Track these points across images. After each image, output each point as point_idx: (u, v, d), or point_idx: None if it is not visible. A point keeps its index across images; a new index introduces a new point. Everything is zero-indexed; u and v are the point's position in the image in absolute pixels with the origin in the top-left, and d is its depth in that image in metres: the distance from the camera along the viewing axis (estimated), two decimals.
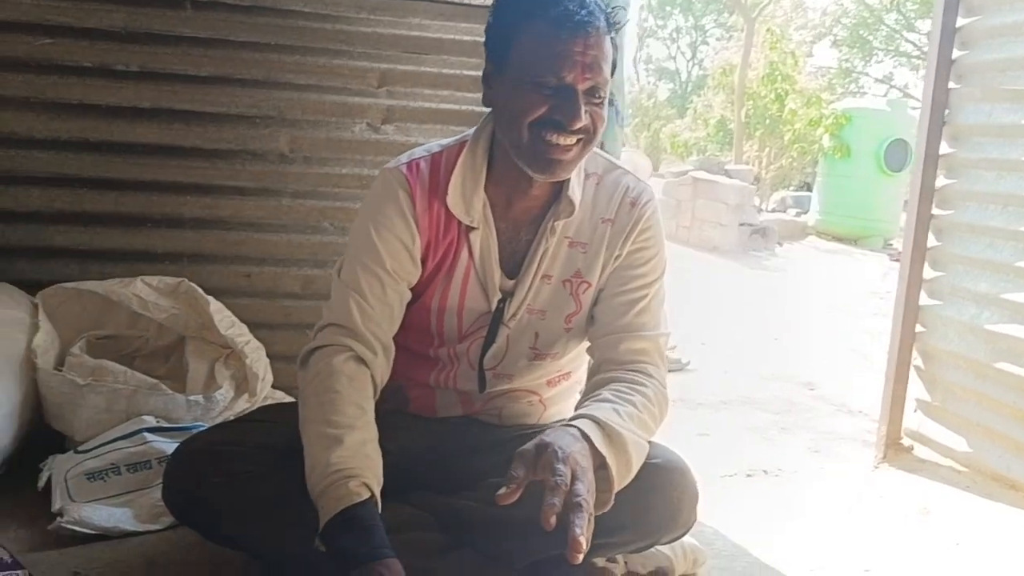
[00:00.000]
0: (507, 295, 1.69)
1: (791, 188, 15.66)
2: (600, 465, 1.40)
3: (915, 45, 21.83)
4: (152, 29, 2.61)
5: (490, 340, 1.71)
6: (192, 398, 2.26)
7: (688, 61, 30.68)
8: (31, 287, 2.44)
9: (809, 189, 13.95)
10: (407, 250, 1.64)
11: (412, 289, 1.67)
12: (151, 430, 2.11)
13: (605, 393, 1.56)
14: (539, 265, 1.68)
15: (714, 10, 28.87)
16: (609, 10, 1.56)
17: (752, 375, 4.56)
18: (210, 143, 2.69)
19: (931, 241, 3.22)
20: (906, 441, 3.22)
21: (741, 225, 10.01)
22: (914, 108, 12.03)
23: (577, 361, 1.83)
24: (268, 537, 1.54)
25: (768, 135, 15.30)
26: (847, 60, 23.38)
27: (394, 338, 1.68)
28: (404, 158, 1.69)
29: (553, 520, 1.27)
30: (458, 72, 2.84)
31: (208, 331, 2.45)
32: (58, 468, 2.02)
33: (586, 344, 1.77)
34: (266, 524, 1.53)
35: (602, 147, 2.81)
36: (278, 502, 1.51)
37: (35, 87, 2.54)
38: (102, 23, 2.57)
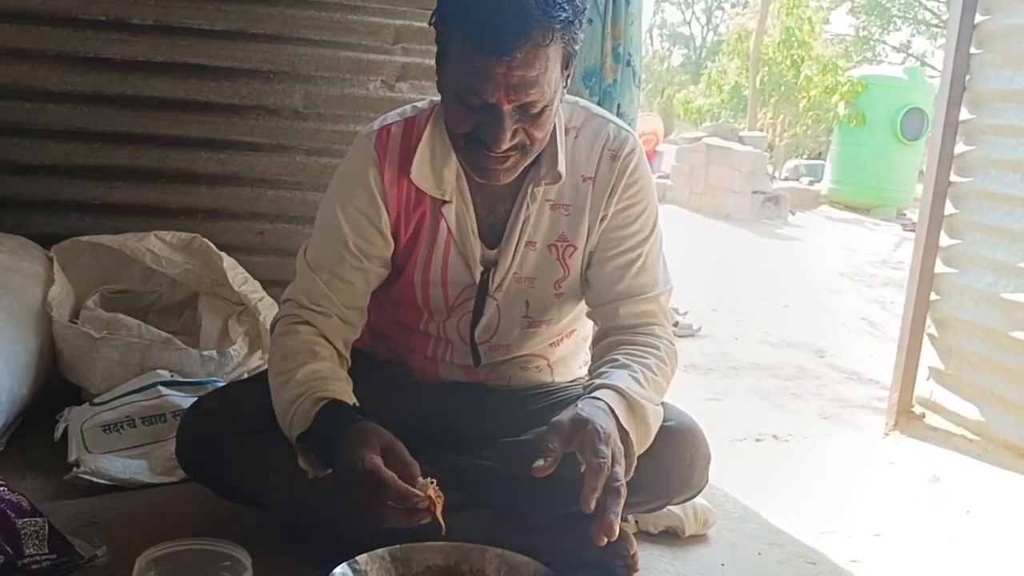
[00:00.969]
0: (490, 265, 1.63)
1: (804, 156, 15.54)
2: (622, 438, 1.39)
3: (933, 13, 21.52)
4: None
5: (478, 313, 1.66)
6: (206, 353, 2.26)
7: (703, 26, 30.29)
8: (46, 241, 2.44)
9: (822, 158, 13.83)
10: (374, 226, 1.59)
11: (393, 263, 1.64)
12: (166, 384, 2.12)
13: (620, 358, 1.54)
14: (521, 232, 1.61)
15: None
16: (562, 1, 1.37)
17: (762, 342, 4.56)
18: (224, 98, 2.68)
19: (948, 208, 3.19)
20: (918, 409, 3.22)
21: (754, 193, 9.96)
22: (932, 77, 11.88)
23: (577, 322, 1.78)
24: (279, 493, 1.55)
25: (783, 102, 15.17)
26: (864, 28, 23.05)
27: (389, 314, 1.68)
28: (377, 124, 1.63)
29: (593, 504, 1.27)
30: None
31: (221, 287, 2.45)
32: (74, 420, 2.04)
33: (581, 305, 1.73)
34: (276, 481, 1.53)
35: (618, 109, 2.81)
36: (288, 459, 1.51)
37: (51, 40, 2.53)
38: None
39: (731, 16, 25.75)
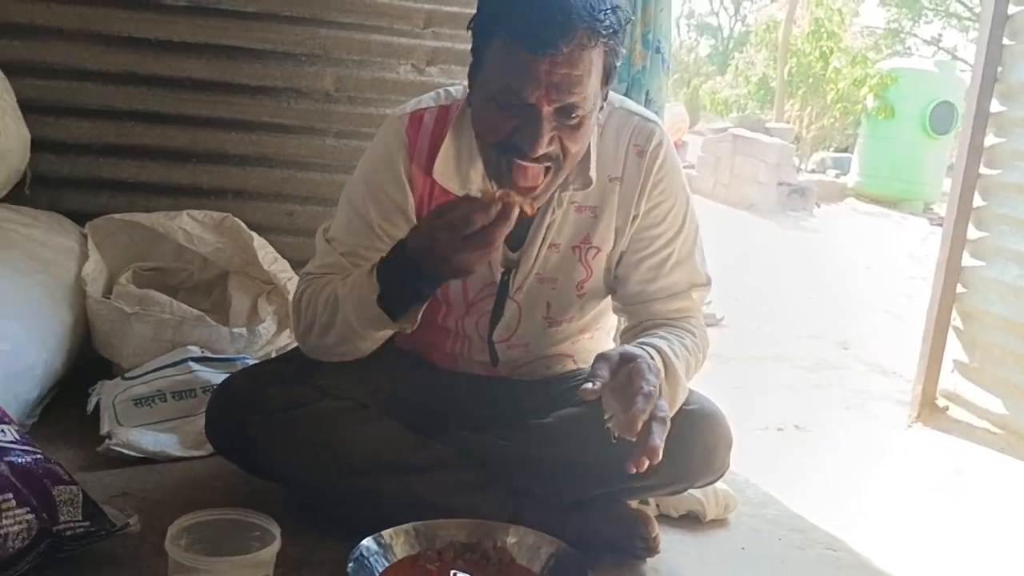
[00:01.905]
0: (512, 266, 1.62)
1: (831, 149, 15.40)
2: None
3: (965, 6, 21.23)
4: None
5: (498, 314, 1.65)
6: (236, 330, 2.29)
7: (731, 17, 30.05)
8: (80, 218, 2.48)
9: (849, 151, 13.70)
10: (399, 209, 1.59)
11: None
12: (196, 359, 2.15)
13: (658, 332, 1.54)
14: (545, 236, 1.59)
15: None
16: (606, 9, 1.38)
17: (786, 332, 4.55)
18: (256, 80, 2.70)
19: (977, 201, 3.17)
20: (941, 401, 3.22)
21: (780, 184, 9.90)
22: (962, 70, 11.74)
23: (600, 319, 1.77)
24: (303, 473, 1.57)
25: (811, 94, 15.01)
26: (895, 20, 22.78)
27: None
28: (411, 106, 1.61)
29: (639, 426, 1.26)
30: None
31: (251, 266, 2.48)
32: (106, 393, 2.07)
33: (605, 302, 1.72)
34: (304, 460, 1.55)
35: (647, 96, 2.81)
36: (316, 439, 1.54)
37: (87, 19, 2.56)
38: None
39: (759, 7, 25.54)
